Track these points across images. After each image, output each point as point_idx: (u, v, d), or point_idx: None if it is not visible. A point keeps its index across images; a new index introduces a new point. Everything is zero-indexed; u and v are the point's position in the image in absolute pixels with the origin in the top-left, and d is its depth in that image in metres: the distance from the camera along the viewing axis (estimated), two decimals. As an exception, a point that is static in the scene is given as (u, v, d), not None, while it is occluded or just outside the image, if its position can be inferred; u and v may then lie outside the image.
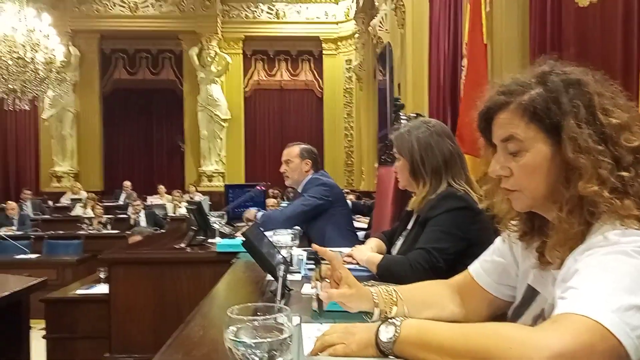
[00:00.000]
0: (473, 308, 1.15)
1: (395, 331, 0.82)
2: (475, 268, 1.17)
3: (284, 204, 6.01)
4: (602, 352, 0.67)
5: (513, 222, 1.04)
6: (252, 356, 0.67)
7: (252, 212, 3.01)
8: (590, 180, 0.82)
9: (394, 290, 1.11)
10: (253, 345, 0.67)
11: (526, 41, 3.33)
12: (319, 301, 1.05)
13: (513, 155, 0.92)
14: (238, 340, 0.68)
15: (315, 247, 1.14)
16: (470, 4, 3.66)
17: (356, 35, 11.06)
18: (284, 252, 1.64)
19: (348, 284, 1.07)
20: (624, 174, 0.82)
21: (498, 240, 1.14)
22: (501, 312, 1.15)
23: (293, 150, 3.08)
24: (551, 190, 0.89)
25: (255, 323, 0.69)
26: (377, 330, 0.84)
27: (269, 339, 0.67)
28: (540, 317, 0.98)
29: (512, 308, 1.09)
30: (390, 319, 0.86)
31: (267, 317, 0.70)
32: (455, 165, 1.76)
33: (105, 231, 7.26)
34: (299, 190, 3.08)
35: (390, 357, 0.82)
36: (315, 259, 1.12)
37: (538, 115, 0.88)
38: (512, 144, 0.91)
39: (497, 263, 1.12)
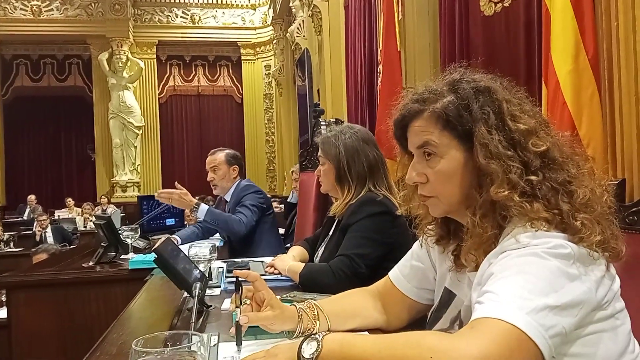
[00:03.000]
0: (395, 313, 1.16)
1: (318, 346, 0.80)
2: (395, 274, 1.17)
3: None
4: (520, 354, 0.68)
5: (429, 227, 1.05)
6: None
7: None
8: (501, 185, 0.83)
9: (315, 305, 1.08)
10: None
11: (437, 48, 3.45)
12: (238, 327, 0.99)
13: (428, 162, 0.92)
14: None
15: (236, 272, 1.09)
16: (384, 12, 3.74)
17: (274, 41, 11.05)
18: (202, 266, 1.57)
19: (271, 305, 1.03)
20: (533, 177, 0.84)
21: (416, 245, 1.15)
22: (422, 316, 1.16)
23: (219, 157, 2.93)
24: (465, 195, 0.91)
25: (165, 355, 0.63)
26: (300, 347, 0.81)
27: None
28: (457, 319, 0.99)
29: (430, 311, 1.10)
30: (313, 334, 0.83)
31: (178, 347, 0.64)
32: (378, 172, 1.78)
33: (7, 249, 6.73)
34: (227, 198, 2.95)
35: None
36: (237, 283, 1.06)
37: (451, 122, 0.89)
38: (427, 150, 0.92)
39: (415, 268, 1.14)
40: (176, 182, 2.69)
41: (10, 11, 10.76)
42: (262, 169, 11.91)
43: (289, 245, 3.39)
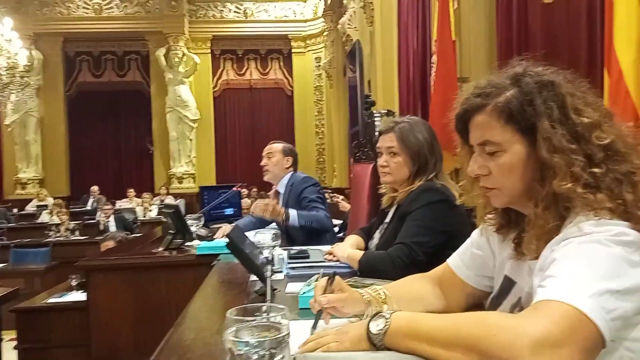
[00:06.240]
0: (453, 299, 1.19)
1: (386, 323, 0.84)
2: (455, 261, 1.19)
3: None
4: (581, 335, 0.71)
5: (489, 216, 1.07)
6: (254, 355, 0.69)
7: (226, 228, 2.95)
8: (565, 178, 0.85)
9: (381, 289, 1.13)
10: (255, 344, 0.69)
11: (493, 37, 3.40)
12: (318, 313, 1.06)
13: (491, 155, 0.94)
14: (240, 340, 0.70)
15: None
16: (439, 0, 3.71)
17: (325, 33, 11.08)
18: (266, 253, 1.66)
19: (341, 289, 1.09)
20: (596, 170, 0.85)
21: (475, 233, 1.17)
22: (480, 302, 1.19)
23: (275, 146, 3.12)
24: (528, 188, 0.92)
25: (254, 323, 0.71)
26: (368, 324, 0.86)
27: (269, 337, 0.70)
28: (517, 306, 1.01)
29: (490, 298, 1.12)
30: (380, 312, 0.88)
31: (265, 316, 0.72)
32: (442, 164, 1.80)
33: (73, 237, 7.10)
34: (280, 189, 3.07)
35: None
36: (331, 275, 1.12)
37: (514, 117, 0.91)
38: (490, 146, 0.94)
39: (475, 255, 1.15)
40: (272, 191, 2.81)
41: (73, 10, 11.31)
42: (312, 160, 12.00)
43: (341, 235, 3.47)
